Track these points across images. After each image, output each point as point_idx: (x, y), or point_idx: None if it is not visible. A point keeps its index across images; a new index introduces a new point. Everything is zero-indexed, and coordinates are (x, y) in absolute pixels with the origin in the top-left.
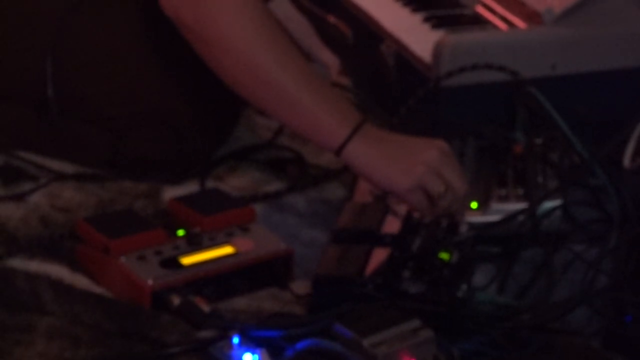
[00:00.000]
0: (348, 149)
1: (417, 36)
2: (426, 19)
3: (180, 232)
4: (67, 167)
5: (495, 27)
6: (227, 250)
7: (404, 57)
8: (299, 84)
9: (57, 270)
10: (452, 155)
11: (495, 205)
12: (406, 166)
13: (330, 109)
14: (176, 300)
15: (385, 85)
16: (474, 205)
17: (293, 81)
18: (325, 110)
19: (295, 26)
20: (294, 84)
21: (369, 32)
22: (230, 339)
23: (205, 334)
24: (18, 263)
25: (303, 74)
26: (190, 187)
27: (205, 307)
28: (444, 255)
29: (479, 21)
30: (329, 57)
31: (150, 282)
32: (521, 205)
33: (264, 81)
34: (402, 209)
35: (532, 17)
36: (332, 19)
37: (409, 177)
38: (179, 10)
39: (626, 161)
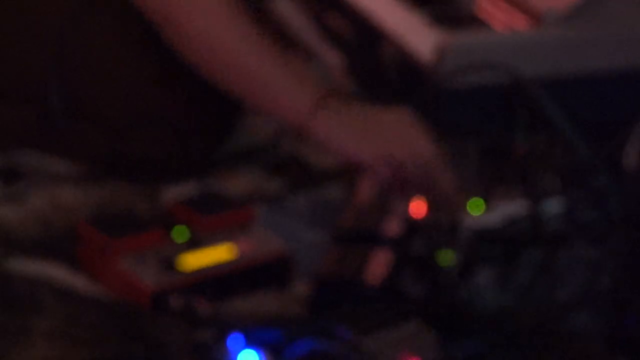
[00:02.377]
0: (313, 123)
1: (418, 37)
2: (427, 20)
3: (180, 233)
4: (67, 168)
5: (496, 27)
6: (227, 251)
7: (404, 57)
8: (262, 64)
9: (57, 272)
10: (416, 122)
11: (496, 206)
12: (371, 136)
13: (294, 82)
14: (176, 302)
15: (386, 86)
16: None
17: (256, 62)
18: (289, 85)
19: (297, 25)
20: (257, 65)
21: (369, 32)
22: (231, 340)
23: (205, 335)
24: (17, 264)
25: (265, 51)
26: (190, 188)
27: (206, 308)
28: (445, 256)
29: (480, 22)
30: (331, 56)
31: (150, 283)
32: (522, 206)
33: (225, 64)
34: (403, 210)
35: (533, 17)
36: (332, 19)
37: (374, 146)
38: None
39: (628, 162)
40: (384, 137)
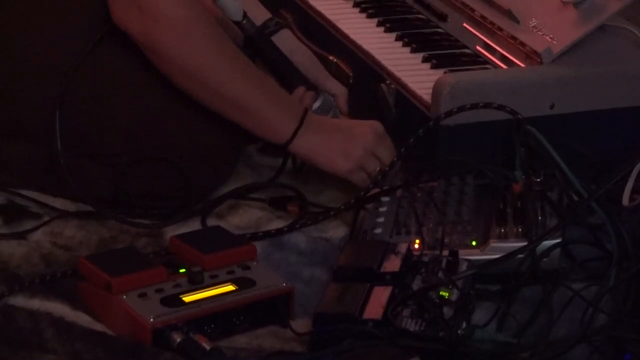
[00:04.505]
0: (295, 142)
1: (417, 75)
2: (426, 59)
3: (182, 270)
4: (69, 206)
5: (494, 66)
6: (228, 288)
7: (404, 96)
8: (246, 90)
9: (59, 308)
10: (385, 135)
11: (495, 244)
12: (346, 150)
13: (276, 108)
14: (177, 338)
15: (386, 124)
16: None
17: (241, 89)
18: (272, 111)
19: (300, 58)
20: (242, 91)
21: (370, 71)
22: None
23: None
24: (20, 301)
25: (250, 77)
26: (191, 225)
27: (206, 345)
28: (444, 293)
29: (478, 61)
30: (336, 87)
31: (151, 319)
32: (520, 244)
33: (213, 90)
34: (402, 247)
35: (531, 56)
36: (333, 58)
37: (349, 160)
38: (127, 24)
39: (625, 199)
40: (357, 153)
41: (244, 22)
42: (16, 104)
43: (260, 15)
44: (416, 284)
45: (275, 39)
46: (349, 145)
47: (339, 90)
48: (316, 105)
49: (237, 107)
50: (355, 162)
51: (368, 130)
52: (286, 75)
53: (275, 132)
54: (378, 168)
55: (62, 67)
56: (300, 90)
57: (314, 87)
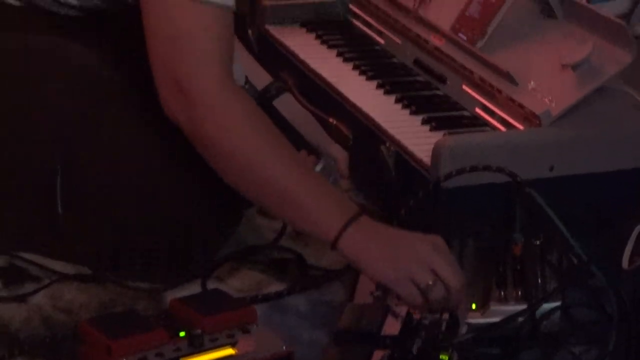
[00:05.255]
0: (342, 241)
1: (417, 138)
2: (425, 121)
3: (182, 333)
4: (70, 268)
5: (493, 128)
6: (228, 351)
7: (403, 158)
8: (295, 181)
9: None
10: (446, 249)
11: (495, 307)
12: (395, 258)
13: (325, 203)
14: None
15: (386, 186)
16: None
17: (289, 179)
18: (321, 206)
19: (302, 122)
20: (290, 182)
21: (369, 133)
22: None
23: None
24: None
25: (297, 170)
26: (191, 288)
27: None
28: (444, 357)
29: (477, 123)
30: (337, 151)
31: None
32: (520, 307)
33: (258, 182)
34: (402, 310)
35: (530, 119)
36: (333, 120)
37: (396, 267)
38: (176, 113)
39: (624, 262)
40: (406, 261)
41: (246, 86)
42: (19, 165)
43: (261, 79)
44: (416, 348)
45: (276, 103)
46: (400, 252)
47: (340, 154)
48: (317, 169)
49: (284, 201)
50: (402, 272)
51: (425, 240)
52: (288, 140)
53: (322, 228)
54: (431, 281)
55: (64, 125)
56: (302, 154)
57: (315, 151)
